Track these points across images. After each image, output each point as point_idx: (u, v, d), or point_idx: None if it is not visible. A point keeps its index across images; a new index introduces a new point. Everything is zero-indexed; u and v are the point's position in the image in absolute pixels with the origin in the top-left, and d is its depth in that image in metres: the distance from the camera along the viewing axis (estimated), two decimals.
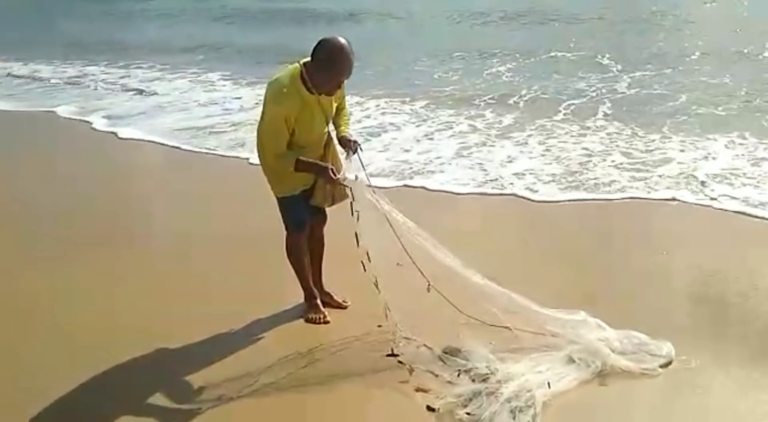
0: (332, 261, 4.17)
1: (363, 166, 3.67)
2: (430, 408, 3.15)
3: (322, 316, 4.00)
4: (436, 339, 3.66)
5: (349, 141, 3.74)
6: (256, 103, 7.71)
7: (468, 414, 3.05)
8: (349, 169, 3.67)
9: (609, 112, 8.36)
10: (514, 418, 3.01)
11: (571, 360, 3.41)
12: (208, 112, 9.62)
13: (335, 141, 3.84)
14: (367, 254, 3.57)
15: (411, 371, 3.41)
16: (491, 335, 3.65)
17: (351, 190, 3.56)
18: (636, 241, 4.96)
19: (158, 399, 3.37)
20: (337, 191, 3.84)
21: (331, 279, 4.21)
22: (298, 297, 4.11)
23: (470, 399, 3.14)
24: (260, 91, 4.50)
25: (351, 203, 3.58)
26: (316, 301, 4.06)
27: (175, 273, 4.74)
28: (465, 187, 6.16)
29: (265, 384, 3.42)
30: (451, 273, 3.67)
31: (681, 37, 12.81)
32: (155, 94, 11.12)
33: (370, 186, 3.60)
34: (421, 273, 3.64)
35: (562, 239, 5.08)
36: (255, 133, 3.75)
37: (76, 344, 3.89)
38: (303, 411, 3.27)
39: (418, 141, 7.68)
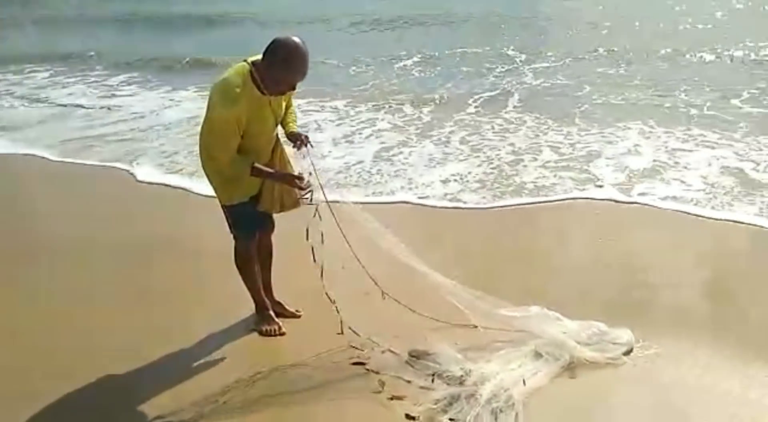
0: (279, 269, 4.00)
1: (313, 164, 3.55)
2: (409, 417, 3.05)
3: (276, 328, 3.82)
4: (399, 343, 3.57)
5: (299, 135, 3.61)
6: None
7: (451, 419, 2.98)
8: (301, 165, 3.56)
9: (518, 104, 8.59)
10: (496, 419, 2.97)
11: (538, 355, 3.41)
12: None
13: (282, 143, 3.69)
14: (322, 268, 3.49)
15: (382, 384, 3.30)
16: (454, 335, 3.61)
17: (312, 197, 3.47)
18: (577, 239, 5.04)
19: None
20: (287, 197, 3.68)
21: (279, 289, 4.03)
22: (248, 309, 3.91)
23: (450, 404, 3.08)
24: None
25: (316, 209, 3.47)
26: (268, 312, 3.88)
27: (109, 290, 4.44)
28: (392, 196, 6.00)
29: (227, 405, 3.22)
30: (408, 277, 3.62)
31: (576, 34, 13.38)
32: (47, 101, 10.46)
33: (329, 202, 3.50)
34: (375, 282, 3.60)
35: (505, 242, 5.10)
36: (199, 138, 3.53)
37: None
38: None
39: (336, 144, 7.50)
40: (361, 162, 6.79)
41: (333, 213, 3.51)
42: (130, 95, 10.69)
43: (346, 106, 9.03)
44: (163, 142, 7.88)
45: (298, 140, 3.57)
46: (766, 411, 3.04)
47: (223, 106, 3.29)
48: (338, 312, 3.55)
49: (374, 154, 7.03)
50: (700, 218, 5.16)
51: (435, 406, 3.07)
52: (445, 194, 5.89)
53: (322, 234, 3.45)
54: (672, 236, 4.97)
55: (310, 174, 3.50)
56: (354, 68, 11.44)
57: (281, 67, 3.25)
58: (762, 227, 4.94)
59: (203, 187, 5.00)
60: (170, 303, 4.22)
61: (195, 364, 3.57)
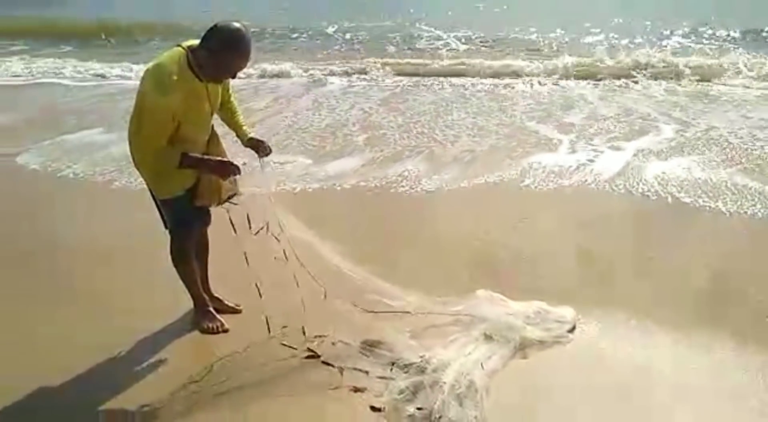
0: (213, 262, 3.83)
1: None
2: (374, 409, 3.01)
3: (219, 324, 3.66)
4: (347, 334, 3.52)
5: (260, 142, 3.49)
6: None
7: (419, 409, 2.96)
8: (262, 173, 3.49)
9: None
10: (461, 405, 2.98)
11: (489, 339, 3.46)
12: None
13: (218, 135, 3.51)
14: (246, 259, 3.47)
15: (341, 371, 3.24)
16: (400, 324, 3.61)
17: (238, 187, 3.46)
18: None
19: None
20: (224, 190, 3.51)
21: (216, 283, 3.86)
22: (185, 306, 3.72)
23: (414, 393, 3.06)
24: None
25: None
26: (209, 309, 3.71)
27: (40, 294, 4.09)
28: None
29: (178, 410, 3.04)
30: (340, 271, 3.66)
31: None
32: None
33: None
34: (315, 279, 3.54)
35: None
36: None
37: None
38: None
39: None
40: None
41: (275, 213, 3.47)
42: None
43: None
44: None
45: (261, 148, 3.45)
46: (703, 378, 3.24)
47: (157, 94, 3.06)
48: (268, 321, 3.52)
49: None
50: None
51: (400, 396, 3.05)
52: None
53: (260, 227, 3.41)
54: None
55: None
56: None
57: (225, 52, 3.07)
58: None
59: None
60: (99, 305, 3.93)
61: (136, 368, 3.35)
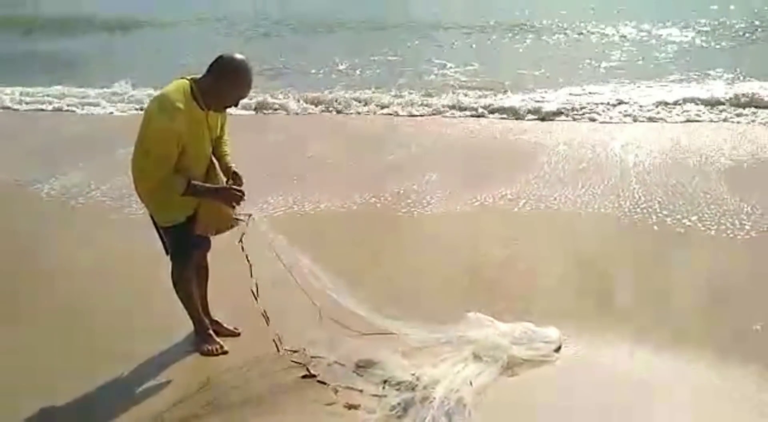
0: (212, 287, 3.98)
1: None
2: None
3: (218, 347, 3.80)
4: (343, 356, 3.66)
5: (236, 175, 3.64)
6: None
7: None
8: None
9: None
10: (450, 420, 3.12)
11: (478, 358, 3.61)
12: None
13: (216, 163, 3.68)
14: (256, 286, 3.60)
15: (336, 391, 3.38)
16: (393, 345, 3.74)
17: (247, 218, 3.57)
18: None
19: None
20: (223, 219, 3.67)
21: (215, 307, 4.00)
22: (185, 329, 3.87)
23: (405, 410, 3.20)
24: None
25: (241, 241, 3.56)
26: (209, 332, 3.85)
27: (39, 315, 4.24)
28: None
29: (188, 415, 3.22)
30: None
31: None
32: None
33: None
34: (312, 301, 3.66)
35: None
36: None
37: None
38: None
39: None
40: None
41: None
42: None
43: None
44: None
45: (236, 182, 3.60)
46: (685, 394, 3.39)
47: (163, 119, 3.27)
48: (278, 340, 3.64)
49: None
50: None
51: (391, 412, 3.19)
52: None
53: (247, 257, 3.57)
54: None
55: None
56: None
57: (229, 82, 3.31)
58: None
59: None
60: (103, 325, 4.09)
61: (137, 388, 3.49)
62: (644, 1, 17.39)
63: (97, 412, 3.31)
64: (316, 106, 9.75)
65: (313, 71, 12.23)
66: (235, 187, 3.51)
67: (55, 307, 4.36)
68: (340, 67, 12.43)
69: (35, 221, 5.97)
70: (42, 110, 10.18)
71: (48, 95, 10.69)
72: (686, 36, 13.89)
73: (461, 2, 18.51)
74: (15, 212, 6.20)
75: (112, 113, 9.97)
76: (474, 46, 14.21)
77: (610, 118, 8.82)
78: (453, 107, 9.36)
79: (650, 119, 8.76)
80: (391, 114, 9.38)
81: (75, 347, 3.88)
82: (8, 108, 10.29)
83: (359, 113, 9.51)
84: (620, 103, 9.25)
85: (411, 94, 10.12)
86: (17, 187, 6.72)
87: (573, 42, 14.21)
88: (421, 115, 9.29)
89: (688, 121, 8.64)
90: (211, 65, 3.33)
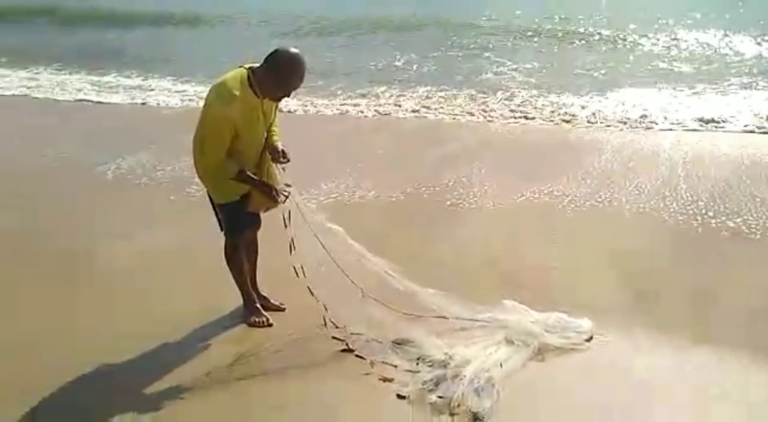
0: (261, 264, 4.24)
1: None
2: (400, 396, 3.34)
3: (265, 319, 4.04)
4: (381, 334, 3.85)
5: (283, 152, 3.84)
6: None
7: (440, 397, 3.28)
8: (282, 176, 3.84)
9: None
10: (479, 397, 3.28)
11: (510, 343, 3.75)
12: None
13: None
14: (301, 266, 3.77)
15: (372, 364, 3.58)
16: (430, 327, 3.90)
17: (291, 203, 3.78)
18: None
19: (110, 411, 3.31)
20: (272, 198, 3.91)
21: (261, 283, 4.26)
22: (235, 302, 4.12)
23: (437, 384, 3.38)
24: None
25: (284, 217, 3.77)
26: (256, 305, 4.09)
27: (107, 290, 4.56)
28: None
29: (237, 377, 3.54)
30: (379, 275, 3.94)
31: None
32: None
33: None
34: (351, 280, 3.86)
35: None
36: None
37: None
38: (285, 403, 3.37)
39: None
40: None
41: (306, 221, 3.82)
42: None
43: None
44: None
45: (277, 153, 3.80)
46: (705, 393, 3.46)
47: (219, 105, 3.52)
48: (326, 314, 3.83)
49: None
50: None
51: (423, 386, 3.37)
52: None
53: (292, 241, 3.76)
54: None
55: (288, 185, 3.81)
56: None
57: (283, 74, 3.53)
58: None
59: None
60: (159, 294, 4.44)
61: (187, 353, 3.77)
62: (715, 10, 16.84)
63: (151, 372, 3.59)
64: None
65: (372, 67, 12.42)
66: (276, 188, 3.74)
67: (115, 271, 4.76)
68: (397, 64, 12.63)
69: (98, 199, 6.37)
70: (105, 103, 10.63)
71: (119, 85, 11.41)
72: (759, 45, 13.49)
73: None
74: (79, 190, 6.62)
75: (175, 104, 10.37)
76: (538, 49, 14.09)
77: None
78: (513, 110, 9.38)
79: (713, 125, 8.52)
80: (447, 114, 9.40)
81: (133, 311, 4.22)
82: (82, 100, 10.78)
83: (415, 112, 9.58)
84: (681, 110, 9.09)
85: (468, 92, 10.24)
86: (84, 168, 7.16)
87: (634, 49, 13.97)
88: (470, 114, 9.32)
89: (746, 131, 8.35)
90: (267, 57, 3.56)
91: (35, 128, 8.99)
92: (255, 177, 3.73)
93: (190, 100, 10.27)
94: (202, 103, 3.72)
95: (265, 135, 3.81)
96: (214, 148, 3.58)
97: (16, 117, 9.71)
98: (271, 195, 3.73)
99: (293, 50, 3.56)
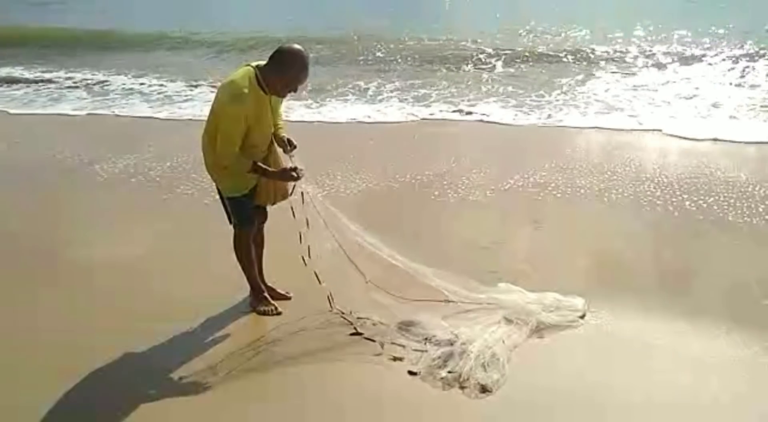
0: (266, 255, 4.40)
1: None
2: (411, 373, 3.54)
3: (273, 308, 4.20)
4: (387, 317, 4.03)
5: (290, 141, 4.01)
6: None
7: (450, 372, 3.49)
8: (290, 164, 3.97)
9: None
10: (485, 371, 3.49)
11: (510, 321, 3.97)
12: None
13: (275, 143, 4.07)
14: (308, 249, 3.95)
15: (382, 345, 3.77)
16: (433, 310, 4.09)
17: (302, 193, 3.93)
18: None
19: (130, 398, 3.45)
20: (279, 192, 4.08)
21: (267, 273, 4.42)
22: (243, 292, 4.28)
23: (445, 361, 3.58)
24: None
25: (292, 208, 3.94)
26: (264, 294, 4.25)
27: (116, 285, 4.68)
28: None
29: (253, 363, 3.70)
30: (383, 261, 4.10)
31: None
32: None
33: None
34: (357, 267, 4.02)
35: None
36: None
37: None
38: (303, 384, 3.54)
39: None
40: None
41: (316, 208, 3.98)
42: None
43: None
44: None
45: (284, 143, 3.97)
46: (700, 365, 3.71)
47: (232, 103, 3.67)
48: (331, 297, 4.03)
49: None
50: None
51: (433, 363, 3.57)
52: None
53: (306, 220, 3.94)
54: None
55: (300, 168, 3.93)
56: None
57: (288, 71, 3.69)
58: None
59: None
60: (166, 284, 4.60)
61: (197, 342, 3.92)
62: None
63: (161, 362, 3.74)
64: None
65: None
66: (292, 167, 3.87)
67: (122, 265, 4.90)
68: None
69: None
70: None
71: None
72: None
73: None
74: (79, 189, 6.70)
75: None
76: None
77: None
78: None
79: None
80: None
81: (139, 305, 4.34)
82: None
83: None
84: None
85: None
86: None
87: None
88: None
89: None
90: (272, 55, 3.72)
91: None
92: (269, 167, 3.88)
93: None
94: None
95: (272, 129, 3.98)
96: (228, 144, 3.73)
97: None
98: (288, 176, 3.86)
99: (296, 47, 3.72)
